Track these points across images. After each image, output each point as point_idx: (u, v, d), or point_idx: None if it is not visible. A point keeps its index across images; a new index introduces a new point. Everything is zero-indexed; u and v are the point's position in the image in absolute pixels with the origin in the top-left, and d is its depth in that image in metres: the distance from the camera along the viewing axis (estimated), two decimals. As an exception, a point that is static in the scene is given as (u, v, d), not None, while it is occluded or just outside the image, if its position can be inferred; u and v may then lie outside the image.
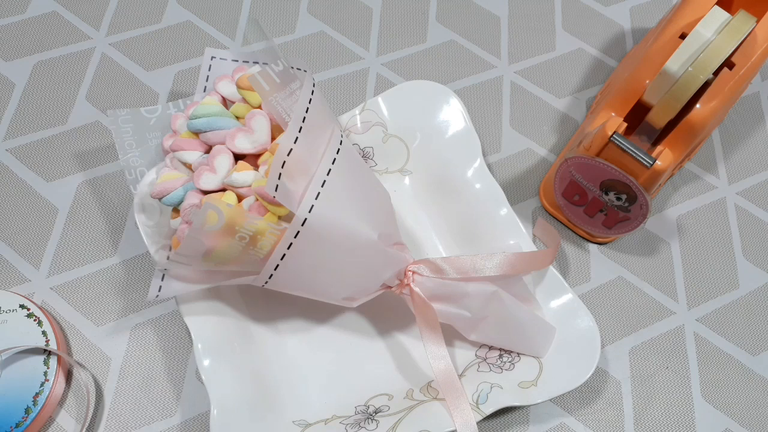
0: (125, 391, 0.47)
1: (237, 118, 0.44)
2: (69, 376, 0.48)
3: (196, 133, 0.44)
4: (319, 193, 0.39)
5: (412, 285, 0.43)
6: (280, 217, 0.40)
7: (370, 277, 0.42)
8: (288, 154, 0.38)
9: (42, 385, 0.45)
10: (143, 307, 0.50)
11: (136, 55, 0.60)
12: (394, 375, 0.48)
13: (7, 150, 0.55)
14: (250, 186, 0.40)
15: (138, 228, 0.46)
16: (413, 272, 0.44)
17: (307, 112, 0.40)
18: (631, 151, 0.44)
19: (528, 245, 0.49)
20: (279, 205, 0.39)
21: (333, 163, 0.40)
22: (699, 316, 0.52)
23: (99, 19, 0.62)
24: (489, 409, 0.43)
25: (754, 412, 0.49)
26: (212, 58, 0.49)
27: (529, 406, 0.47)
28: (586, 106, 0.60)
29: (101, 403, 0.47)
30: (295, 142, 0.38)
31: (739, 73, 0.46)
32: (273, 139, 0.43)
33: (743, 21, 0.41)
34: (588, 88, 0.61)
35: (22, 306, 0.47)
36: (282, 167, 0.37)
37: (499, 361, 0.46)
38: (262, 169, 0.41)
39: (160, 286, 0.43)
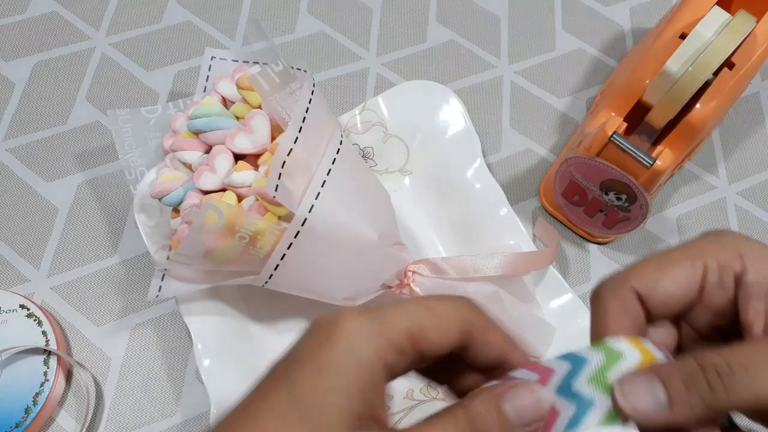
0: (125, 391, 0.47)
1: (237, 118, 0.44)
2: (69, 376, 0.48)
3: (196, 133, 0.44)
4: (319, 193, 0.39)
5: (412, 285, 0.43)
6: (280, 217, 0.40)
7: (371, 277, 0.42)
8: (288, 154, 0.38)
9: (42, 385, 0.45)
10: (143, 307, 0.50)
11: (136, 55, 0.60)
12: (394, 375, 0.47)
13: (7, 150, 0.55)
14: (250, 186, 0.40)
15: (138, 228, 0.46)
16: (413, 272, 0.44)
17: (307, 112, 0.40)
18: (631, 151, 0.44)
19: (528, 245, 0.49)
20: (279, 205, 0.39)
21: (333, 163, 0.40)
22: (699, 316, 0.52)
23: (99, 19, 0.62)
24: (489, 409, 0.43)
25: (754, 412, 0.49)
26: (212, 58, 0.49)
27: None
28: (586, 106, 0.60)
29: (101, 403, 0.47)
30: (295, 142, 0.38)
31: (739, 73, 0.46)
32: (273, 139, 0.43)
33: (743, 21, 0.41)
34: (588, 88, 0.61)
35: (22, 306, 0.47)
36: (282, 167, 0.37)
37: (499, 361, 0.46)
38: (262, 169, 0.41)
39: (160, 286, 0.43)
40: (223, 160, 0.42)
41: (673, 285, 0.21)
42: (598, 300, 0.23)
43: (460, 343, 0.22)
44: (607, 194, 0.48)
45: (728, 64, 0.45)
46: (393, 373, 0.21)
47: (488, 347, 0.22)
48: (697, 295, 0.22)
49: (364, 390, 0.20)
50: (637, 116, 0.46)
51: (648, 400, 0.19)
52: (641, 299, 0.22)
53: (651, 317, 0.22)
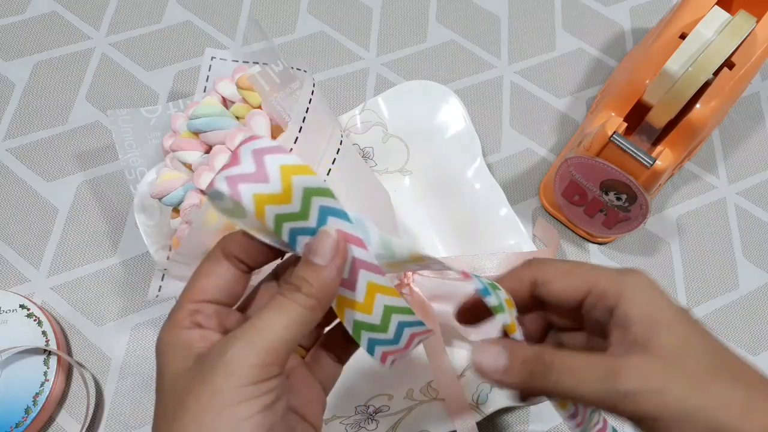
0: (125, 391, 0.47)
1: (237, 118, 0.44)
2: (69, 376, 0.48)
3: (196, 133, 0.44)
4: (319, 193, 0.39)
5: (412, 285, 0.43)
6: (280, 217, 0.40)
7: (370, 277, 0.42)
8: (288, 154, 0.38)
9: (42, 385, 0.45)
10: (143, 307, 0.50)
11: (136, 55, 0.60)
12: (394, 375, 0.48)
13: (7, 150, 0.55)
14: (250, 186, 0.40)
15: (138, 228, 0.46)
16: (413, 272, 0.44)
17: (307, 112, 0.40)
18: (631, 151, 0.44)
19: (528, 245, 0.49)
20: (279, 205, 0.38)
21: (333, 163, 0.40)
22: (699, 317, 0.52)
23: (99, 19, 0.62)
24: (489, 409, 0.43)
25: (754, 412, 0.49)
26: (212, 58, 0.49)
27: (529, 406, 0.47)
28: (586, 106, 0.60)
29: (101, 403, 0.47)
30: (295, 142, 0.38)
31: (739, 73, 0.46)
32: (273, 139, 0.43)
33: (743, 21, 0.41)
34: (588, 88, 0.61)
35: (22, 306, 0.47)
36: (282, 167, 0.37)
37: (499, 361, 0.46)
38: (262, 169, 0.41)
39: (160, 286, 0.43)
40: (223, 160, 0.42)
41: (559, 290, 0.28)
42: (511, 270, 0.29)
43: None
44: (607, 194, 0.48)
45: (728, 64, 0.45)
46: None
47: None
48: (574, 307, 0.28)
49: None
50: (637, 116, 0.46)
51: (491, 362, 0.26)
52: (533, 285, 0.28)
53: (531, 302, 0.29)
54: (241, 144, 0.25)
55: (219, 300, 0.27)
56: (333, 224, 0.25)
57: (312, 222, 0.25)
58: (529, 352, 0.26)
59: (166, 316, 0.49)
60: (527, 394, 0.27)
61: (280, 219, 0.25)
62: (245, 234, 0.26)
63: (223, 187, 0.24)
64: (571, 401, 0.26)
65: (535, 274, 0.28)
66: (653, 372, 0.24)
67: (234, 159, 0.24)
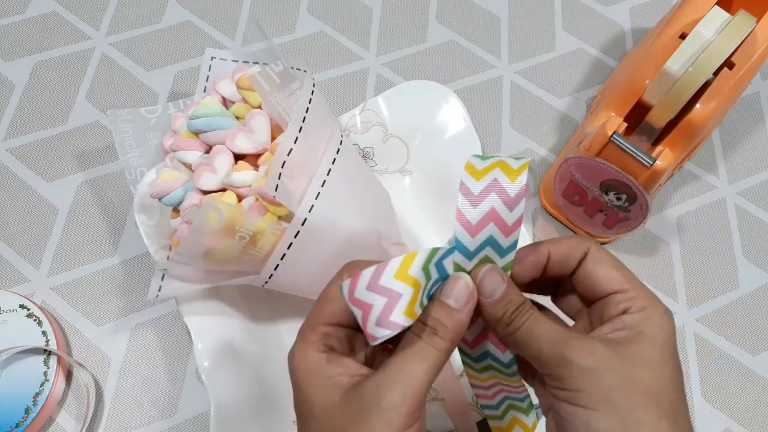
0: (125, 391, 0.47)
1: (237, 118, 0.44)
2: (69, 376, 0.48)
3: (196, 133, 0.44)
4: (319, 192, 0.39)
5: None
6: (280, 217, 0.40)
7: (370, 277, 0.42)
8: (288, 154, 0.38)
9: (42, 385, 0.45)
10: (143, 307, 0.50)
11: (136, 55, 0.60)
12: (394, 375, 0.48)
13: (7, 150, 0.55)
14: (250, 186, 0.40)
15: (138, 228, 0.46)
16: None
17: (307, 112, 0.40)
18: (631, 151, 0.44)
19: (528, 245, 0.49)
20: (279, 205, 0.39)
21: (333, 163, 0.40)
22: (699, 316, 0.52)
23: (99, 19, 0.62)
24: (489, 409, 0.43)
25: (754, 412, 0.49)
26: (212, 58, 0.49)
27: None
28: (586, 106, 0.60)
29: (101, 403, 0.47)
30: (295, 142, 0.38)
31: (739, 73, 0.46)
32: (273, 139, 0.43)
33: (743, 21, 0.41)
34: (588, 88, 0.61)
35: (22, 306, 0.47)
36: (282, 167, 0.38)
37: (499, 361, 0.46)
38: (262, 169, 0.41)
39: (160, 286, 0.43)
40: (223, 160, 0.42)
41: (603, 277, 0.29)
42: (566, 238, 0.31)
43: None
44: (607, 194, 0.48)
45: (728, 64, 0.45)
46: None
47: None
48: (602, 296, 0.29)
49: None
50: (637, 116, 0.46)
51: (492, 288, 0.28)
52: (582, 258, 0.29)
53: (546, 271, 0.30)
54: (350, 295, 0.27)
55: (348, 324, 0.28)
56: (450, 264, 0.28)
57: (434, 275, 0.28)
58: (519, 298, 0.28)
59: (166, 316, 0.50)
60: (491, 328, 0.29)
61: (422, 299, 0.27)
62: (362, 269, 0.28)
63: (383, 333, 0.26)
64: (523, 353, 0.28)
65: (591, 251, 0.29)
66: (607, 359, 0.26)
67: (362, 306, 0.26)
